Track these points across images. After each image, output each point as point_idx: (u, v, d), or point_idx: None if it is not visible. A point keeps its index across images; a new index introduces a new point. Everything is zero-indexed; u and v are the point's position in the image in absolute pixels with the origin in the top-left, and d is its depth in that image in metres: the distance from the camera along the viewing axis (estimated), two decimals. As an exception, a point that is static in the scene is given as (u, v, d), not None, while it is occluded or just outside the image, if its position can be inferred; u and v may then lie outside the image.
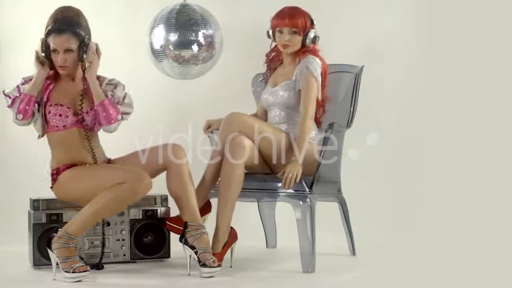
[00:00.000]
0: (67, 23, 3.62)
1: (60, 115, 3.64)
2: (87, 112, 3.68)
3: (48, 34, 3.61)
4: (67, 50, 3.60)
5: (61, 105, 3.65)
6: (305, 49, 3.89)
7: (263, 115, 4.04)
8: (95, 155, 3.69)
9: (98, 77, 3.70)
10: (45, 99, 3.65)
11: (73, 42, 3.61)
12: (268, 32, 3.96)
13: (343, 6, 4.79)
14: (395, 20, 4.79)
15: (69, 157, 3.66)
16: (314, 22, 3.91)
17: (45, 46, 3.61)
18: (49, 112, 3.64)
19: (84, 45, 3.62)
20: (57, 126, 3.65)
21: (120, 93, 3.70)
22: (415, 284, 3.46)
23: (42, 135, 3.70)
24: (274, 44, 3.97)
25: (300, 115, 3.81)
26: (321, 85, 3.86)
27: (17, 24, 4.72)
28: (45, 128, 3.68)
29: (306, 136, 3.74)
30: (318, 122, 3.93)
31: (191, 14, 3.98)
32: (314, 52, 3.88)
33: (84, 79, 3.71)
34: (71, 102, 3.68)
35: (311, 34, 3.88)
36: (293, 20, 3.85)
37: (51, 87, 3.67)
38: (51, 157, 3.72)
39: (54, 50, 3.61)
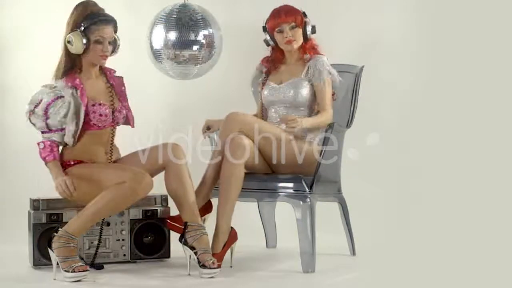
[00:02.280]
0: (109, 15, 3.69)
1: (100, 114, 3.64)
2: (119, 110, 3.72)
3: (93, 24, 3.61)
4: (110, 42, 3.67)
5: (100, 104, 3.65)
6: (308, 44, 3.92)
7: (262, 115, 4.04)
8: (111, 155, 3.73)
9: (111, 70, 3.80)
10: (85, 99, 3.63)
11: (113, 35, 3.69)
12: (265, 39, 3.98)
13: (343, 6, 4.79)
14: (395, 20, 4.79)
15: (83, 154, 3.65)
16: (306, 13, 3.94)
17: (86, 37, 3.61)
18: (91, 112, 3.62)
19: (116, 39, 3.70)
20: (98, 126, 3.65)
21: None
22: (415, 284, 3.46)
23: (75, 143, 3.64)
24: (271, 48, 4.01)
25: (321, 106, 3.85)
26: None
27: (18, 24, 4.73)
28: (77, 132, 3.63)
29: (324, 123, 3.77)
30: None
31: (191, 14, 3.98)
32: (317, 51, 3.93)
33: (103, 74, 3.75)
34: (105, 100, 3.70)
35: (309, 25, 3.91)
36: (291, 15, 3.90)
37: (82, 85, 3.65)
38: (61, 151, 3.68)
39: (99, 41, 3.63)
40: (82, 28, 3.61)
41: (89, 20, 3.61)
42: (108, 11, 4.71)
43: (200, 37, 3.97)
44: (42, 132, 3.63)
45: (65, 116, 3.59)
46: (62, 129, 3.61)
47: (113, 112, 3.70)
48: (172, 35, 3.95)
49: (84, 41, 3.60)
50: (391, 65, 4.76)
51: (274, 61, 4.03)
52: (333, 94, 3.95)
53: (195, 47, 3.97)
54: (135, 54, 4.55)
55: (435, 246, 4.13)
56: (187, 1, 4.07)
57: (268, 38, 3.97)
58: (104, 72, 3.78)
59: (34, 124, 3.63)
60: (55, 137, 3.61)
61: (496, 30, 4.50)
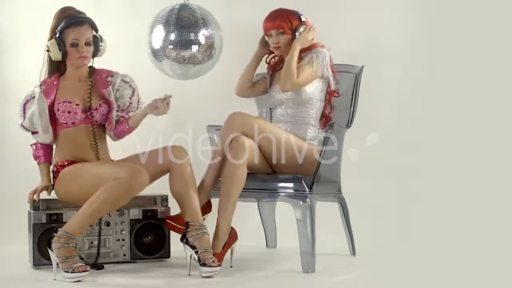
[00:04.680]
0: (83, 16, 3.71)
1: (68, 112, 3.68)
2: (96, 109, 3.73)
3: (66, 27, 3.65)
4: (87, 43, 3.68)
5: (70, 102, 3.69)
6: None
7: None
8: (98, 153, 3.73)
9: (109, 71, 3.82)
10: (52, 97, 3.69)
11: (91, 34, 3.70)
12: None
13: (343, 6, 4.79)
14: (395, 20, 4.78)
15: (73, 153, 3.70)
16: (303, 18, 3.92)
17: (62, 42, 3.65)
18: (58, 110, 3.69)
19: (97, 39, 3.72)
20: (66, 123, 3.69)
21: (135, 102, 3.87)
22: (415, 284, 3.46)
23: (53, 140, 3.77)
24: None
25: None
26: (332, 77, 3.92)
27: (18, 24, 4.73)
28: (52, 133, 3.72)
29: (288, 71, 3.79)
30: (328, 119, 3.94)
31: (191, 14, 3.98)
32: (315, 45, 3.92)
33: (89, 76, 3.77)
34: (79, 99, 3.72)
35: (300, 30, 3.90)
36: (276, 22, 3.93)
37: (55, 83, 3.72)
38: (54, 153, 3.74)
39: (74, 43, 3.66)
40: (58, 35, 3.66)
41: (62, 25, 3.66)
42: (109, 11, 4.72)
43: (200, 37, 3.96)
44: (33, 133, 3.79)
45: (33, 114, 3.71)
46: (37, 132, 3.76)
47: (86, 111, 3.71)
48: (172, 35, 3.95)
49: (60, 48, 3.65)
50: (391, 65, 4.75)
51: (276, 63, 4.05)
52: (336, 92, 3.95)
53: (195, 47, 3.97)
54: (135, 54, 4.56)
55: (435, 246, 4.13)
56: (187, 1, 4.07)
57: (267, 38, 4.00)
58: (95, 74, 3.80)
59: (25, 127, 3.78)
60: (40, 138, 3.76)
61: (496, 29, 4.50)
